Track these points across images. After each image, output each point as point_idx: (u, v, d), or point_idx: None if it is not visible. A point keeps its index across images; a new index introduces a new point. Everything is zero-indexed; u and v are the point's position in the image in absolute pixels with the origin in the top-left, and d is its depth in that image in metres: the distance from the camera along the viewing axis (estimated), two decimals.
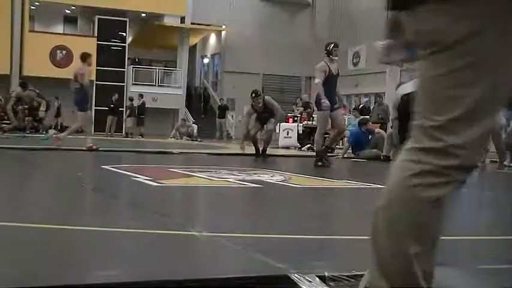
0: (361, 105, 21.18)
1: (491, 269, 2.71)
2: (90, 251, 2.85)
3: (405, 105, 9.17)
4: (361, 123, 14.20)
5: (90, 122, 13.41)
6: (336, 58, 9.65)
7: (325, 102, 9.15)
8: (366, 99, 22.85)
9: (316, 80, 9.51)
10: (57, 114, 25.26)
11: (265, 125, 11.98)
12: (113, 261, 2.63)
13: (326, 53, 9.67)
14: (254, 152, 11.59)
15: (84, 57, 11.96)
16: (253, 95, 11.58)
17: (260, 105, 11.53)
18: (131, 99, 25.66)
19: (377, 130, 13.95)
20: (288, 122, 18.53)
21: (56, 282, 2.13)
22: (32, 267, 2.41)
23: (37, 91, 18.48)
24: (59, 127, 22.59)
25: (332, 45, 9.74)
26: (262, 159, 11.26)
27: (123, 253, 2.83)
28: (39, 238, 3.09)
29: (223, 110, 26.85)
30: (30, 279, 2.19)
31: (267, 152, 11.77)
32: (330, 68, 9.45)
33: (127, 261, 2.63)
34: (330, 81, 9.36)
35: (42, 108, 18.29)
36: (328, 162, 9.66)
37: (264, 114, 11.66)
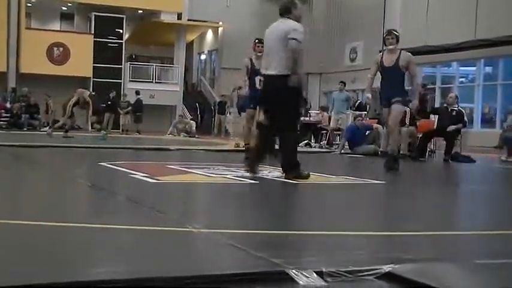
0: (358, 101, 21.19)
1: (490, 264, 2.71)
2: (86, 247, 2.84)
3: None
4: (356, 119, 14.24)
5: None
6: (391, 47, 8.52)
7: (368, 96, 8.93)
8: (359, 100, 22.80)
9: (368, 75, 8.82)
10: (46, 111, 25.30)
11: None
12: (109, 258, 2.62)
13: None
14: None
15: None
16: (257, 40, 9.58)
17: (260, 53, 9.20)
18: (124, 95, 25.77)
19: (374, 126, 13.96)
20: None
21: (53, 280, 2.12)
22: (30, 264, 2.40)
23: (93, 93, 18.55)
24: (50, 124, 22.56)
25: (386, 33, 8.88)
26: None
27: (120, 250, 2.83)
28: (36, 235, 3.08)
29: (222, 106, 26.85)
30: (28, 276, 2.18)
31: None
32: (382, 60, 8.59)
33: (124, 258, 2.63)
34: (384, 74, 8.58)
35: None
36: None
37: (260, 76, 9.22)
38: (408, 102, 9.26)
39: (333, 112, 16.32)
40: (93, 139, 15.23)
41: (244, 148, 10.20)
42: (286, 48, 6.16)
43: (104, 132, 16.56)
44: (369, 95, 8.94)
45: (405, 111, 10.13)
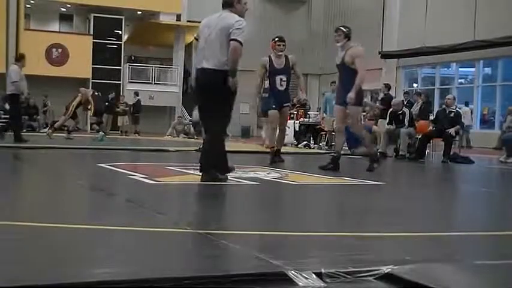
0: None
1: (489, 265, 2.71)
2: (86, 248, 2.84)
3: None
4: None
5: None
6: (339, 44, 8.23)
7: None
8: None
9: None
10: (44, 111, 25.30)
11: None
12: (109, 259, 2.62)
13: None
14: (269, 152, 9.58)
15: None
16: (277, 38, 9.27)
17: (280, 53, 9.18)
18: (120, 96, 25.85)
19: (373, 128, 13.96)
20: (288, 120, 18.48)
21: (53, 281, 2.12)
22: (30, 265, 2.40)
23: (96, 93, 18.55)
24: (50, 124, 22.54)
25: (334, 30, 8.47)
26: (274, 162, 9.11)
27: (119, 251, 2.83)
28: (36, 237, 3.08)
29: None
30: (28, 277, 2.18)
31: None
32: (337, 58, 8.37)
33: (123, 259, 2.63)
34: (338, 72, 8.46)
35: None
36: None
37: (280, 76, 9.27)
38: (362, 100, 8.63)
39: (326, 114, 16.18)
40: (92, 140, 15.22)
41: (269, 151, 9.61)
42: (227, 44, 5.83)
43: (102, 133, 16.55)
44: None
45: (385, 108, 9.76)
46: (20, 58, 13.64)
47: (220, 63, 5.85)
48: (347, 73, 8.14)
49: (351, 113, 8.20)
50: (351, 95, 7.95)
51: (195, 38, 6.41)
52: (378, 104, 16.38)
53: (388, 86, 16.89)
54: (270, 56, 9.27)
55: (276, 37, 9.31)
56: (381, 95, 17.29)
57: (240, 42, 5.84)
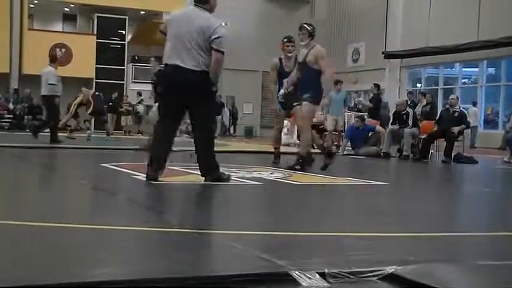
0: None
1: (492, 265, 2.71)
2: (88, 248, 2.84)
3: None
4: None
5: None
6: (303, 43, 8.19)
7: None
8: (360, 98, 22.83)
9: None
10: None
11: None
12: (112, 259, 2.62)
13: None
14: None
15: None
16: (286, 39, 9.04)
17: (290, 54, 8.88)
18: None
19: (377, 128, 13.95)
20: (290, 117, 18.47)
21: (54, 280, 2.12)
22: (31, 265, 2.40)
23: (97, 93, 18.68)
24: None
25: (298, 28, 8.38)
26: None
27: (121, 250, 2.83)
28: (39, 236, 3.08)
29: (218, 108, 26.80)
30: (29, 277, 2.18)
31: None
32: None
33: (126, 259, 2.63)
34: (300, 70, 8.21)
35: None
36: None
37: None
38: (319, 100, 8.15)
39: (329, 113, 16.07)
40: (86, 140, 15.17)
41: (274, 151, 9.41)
42: (206, 47, 5.61)
43: (90, 132, 16.50)
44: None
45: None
46: (54, 59, 13.67)
47: (200, 64, 5.65)
48: (309, 72, 8.00)
49: (304, 111, 8.04)
50: (325, 101, 8.05)
51: (160, 31, 6.00)
52: (369, 103, 16.56)
53: (377, 86, 17.03)
54: (280, 58, 9.01)
55: (285, 37, 9.09)
56: (371, 95, 17.39)
57: (223, 53, 5.70)
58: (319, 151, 9.02)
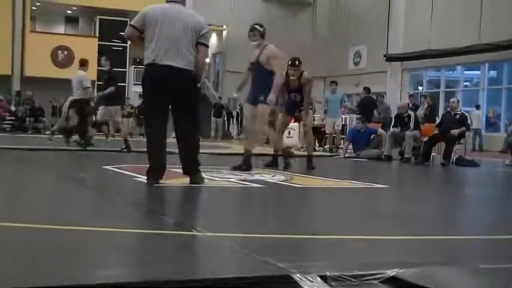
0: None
1: (494, 268, 2.71)
2: (90, 250, 2.84)
3: None
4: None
5: None
6: (254, 44, 8.21)
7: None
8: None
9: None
10: (53, 113, 25.32)
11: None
12: (113, 261, 2.62)
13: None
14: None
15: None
16: (290, 62, 9.04)
17: (294, 77, 8.95)
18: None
19: (379, 131, 13.95)
20: (290, 121, 18.48)
21: (56, 282, 2.12)
22: (32, 267, 2.41)
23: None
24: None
25: (250, 29, 8.34)
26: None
27: (123, 253, 2.83)
28: (40, 238, 3.08)
29: (219, 109, 26.71)
30: (31, 279, 2.18)
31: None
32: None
33: (127, 261, 2.63)
34: (252, 71, 8.30)
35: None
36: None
37: (294, 94, 9.16)
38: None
39: (327, 115, 16.10)
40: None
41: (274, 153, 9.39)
42: (193, 44, 5.59)
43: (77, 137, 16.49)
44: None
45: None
46: (84, 63, 13.74)
47: (189, 62, 5.61)
48: (261, 72, 8.00)
49: (259, 112, 8.02)
50: (272, 97, 7.89)
51: (131, 25, 5.88)
52: (354, 107, 16.76)
53: (366, 89, 17.16)
54: (287, 72, 9.02)
55: (289, 60, 9.08)
56: (359, 98, 17.54)
57: (208, 47, 5.78)
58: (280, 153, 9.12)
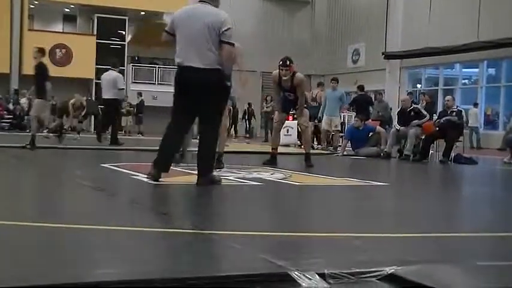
0: None
1: (492, 266, 2.71)
2: (90, 249, 2.84)
3: None
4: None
5: None
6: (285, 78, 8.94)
7: None
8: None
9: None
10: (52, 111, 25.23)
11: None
12: (113, 260, 2.62)
13: None
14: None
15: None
16: (281, 62, 9.00)
17: (286, 78, 8.97)
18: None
19: (377, 128, 13.94)
20: (287, 119, 18.46)
21: (56, 281, 2.12)
22: (32, 265, 2.41)
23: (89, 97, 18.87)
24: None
25: None
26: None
27: (123, 251, 2.83)
28: (39, 237, 3.08)
29: None
30: (31, 277, 2.18)
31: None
32: None
33: (127, 260, 2.63)
34: None
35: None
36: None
37: (288, 93, 9.24)
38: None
39: (324, 113, 15.75)
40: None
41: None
42: (214, 41, 5.54)
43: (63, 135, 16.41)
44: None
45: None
46: (116, 65, 13.78)
47: (210, 61, 5.58)
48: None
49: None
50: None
51: (165, 30, 5.86)
52: (347, 105, 17.05)
53: (360, 87, 17.17)
54: (279, 72, 9.06)
55: (280, 60, 9.07)
56: (353, 96, 17.63)
57: (232, 45, 5.65)
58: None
